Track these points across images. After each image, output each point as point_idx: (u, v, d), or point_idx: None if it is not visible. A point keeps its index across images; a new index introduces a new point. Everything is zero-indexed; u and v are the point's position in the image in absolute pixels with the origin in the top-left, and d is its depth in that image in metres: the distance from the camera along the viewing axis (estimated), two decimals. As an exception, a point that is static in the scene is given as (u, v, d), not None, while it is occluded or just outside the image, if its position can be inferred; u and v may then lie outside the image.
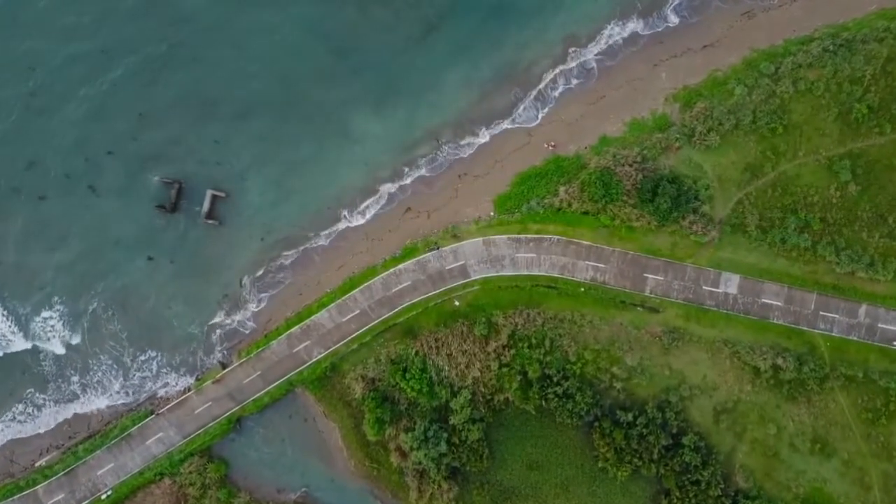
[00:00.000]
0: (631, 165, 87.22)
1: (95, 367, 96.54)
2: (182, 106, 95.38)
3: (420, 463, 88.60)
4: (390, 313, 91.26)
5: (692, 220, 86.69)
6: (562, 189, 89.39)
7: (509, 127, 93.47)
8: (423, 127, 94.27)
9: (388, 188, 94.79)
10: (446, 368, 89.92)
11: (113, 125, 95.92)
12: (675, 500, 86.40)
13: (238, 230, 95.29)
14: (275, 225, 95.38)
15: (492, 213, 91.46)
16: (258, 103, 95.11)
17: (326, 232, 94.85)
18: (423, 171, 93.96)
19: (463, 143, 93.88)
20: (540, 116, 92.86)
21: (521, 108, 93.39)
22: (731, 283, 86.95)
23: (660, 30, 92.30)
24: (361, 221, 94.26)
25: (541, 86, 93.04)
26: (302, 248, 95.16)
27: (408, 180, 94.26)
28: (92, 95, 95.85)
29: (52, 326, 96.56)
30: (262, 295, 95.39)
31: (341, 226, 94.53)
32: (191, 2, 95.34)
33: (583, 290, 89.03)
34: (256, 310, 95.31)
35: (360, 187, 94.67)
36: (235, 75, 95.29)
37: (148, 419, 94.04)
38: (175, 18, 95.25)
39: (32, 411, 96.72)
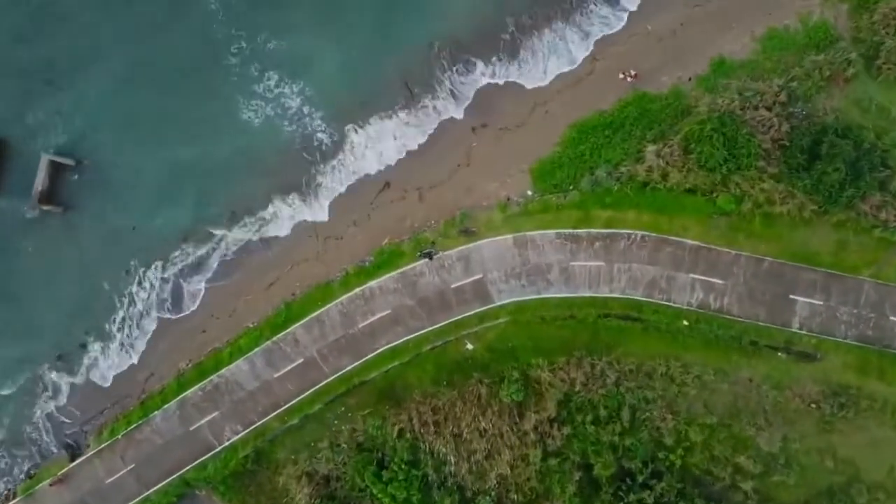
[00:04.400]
0: (770, 109, 60.19)
1: None
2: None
3: None
4: (355, 364, 63.50)
5: (877, 202, 58.80)
6: (650, 149, 62.00)
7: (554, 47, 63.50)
8: (406, 53, 63.90)
9: (349, 151, 64.53)
10: (452, 460, 62.53)
11: None
12: None
13: (96, 220, 66.20)
14: (158, 212, 65.15)
15: (529, 192, 63.24)
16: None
17: (247, 226, 65.03)
18: (405, 124, 63.77)
19: (472, 76, 64.25)
20: (610, 27, 64.06)
21: (577, 15, 63.57)
22: (938, 312, 59.05)
23: None
24: (307, 208, 64.90)
25: (611, -24, 63.31)
26: (205, 252, 65.26)
27: (382, 141, 64.37)
28: None
29: None
30: (136, 333, 65.20)
31: (273, 215, 65.37)
32: None
33: (686, 323, 61.86)
34: (126, 357, 64.83)
35: (302, 150, 64.82)
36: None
37: (-61, 549, 63.52)
38: None
39: None
